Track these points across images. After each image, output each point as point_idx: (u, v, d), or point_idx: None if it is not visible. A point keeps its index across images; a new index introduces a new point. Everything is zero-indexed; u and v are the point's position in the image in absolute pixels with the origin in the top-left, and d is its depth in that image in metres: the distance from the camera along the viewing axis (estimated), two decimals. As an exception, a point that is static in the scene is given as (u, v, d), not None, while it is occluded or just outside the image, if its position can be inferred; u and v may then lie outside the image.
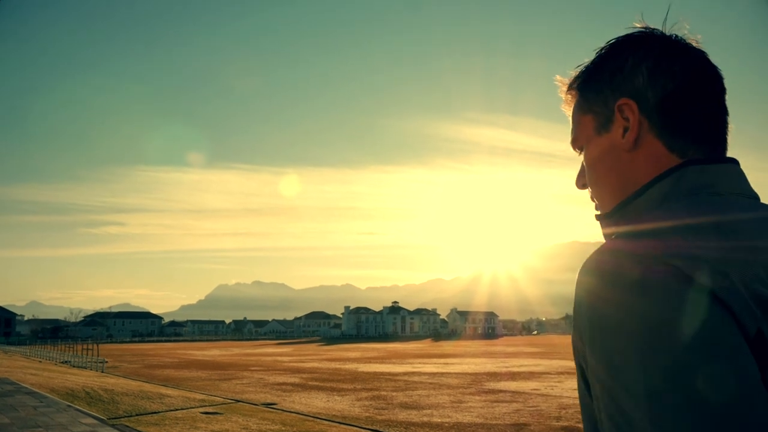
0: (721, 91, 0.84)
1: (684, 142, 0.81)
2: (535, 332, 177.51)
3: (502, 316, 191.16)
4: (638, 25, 0.87)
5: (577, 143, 0.94)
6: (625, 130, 0.83)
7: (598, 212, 0.91)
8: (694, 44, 0.85)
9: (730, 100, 0.84)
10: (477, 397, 19.71)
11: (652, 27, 0.86)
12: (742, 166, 0.81)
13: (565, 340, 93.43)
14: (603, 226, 0.88)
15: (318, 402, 18.87)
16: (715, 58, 0.84)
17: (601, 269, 0.70)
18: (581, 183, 0.95)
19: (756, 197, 0.79)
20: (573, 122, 0.94)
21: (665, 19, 0.86)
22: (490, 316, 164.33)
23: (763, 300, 0.64)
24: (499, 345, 77.66)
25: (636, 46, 0.85)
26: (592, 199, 0.93)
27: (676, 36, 0.85)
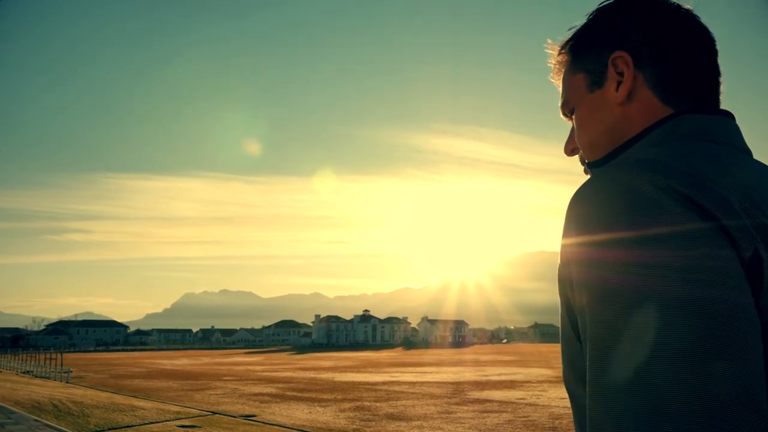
0: (713, 51, 0.85)
1: (678, 95, 0.82)
2: (505, 341, 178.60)
3: (471, 324, 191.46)
4: None
5: (567, 106, 0.93)
6: (619, 84, 0.84)
7: (589, 162, 0.91)
8: (687, 6, 0.86)
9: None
10: (465, 407, 19.12)
11: None
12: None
13: (536, 349, 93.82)
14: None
15: (300, 414, 18.06)
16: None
17: (593, 189, 0.71)
18: (570, 148, 0.96)
19: (749, 152, 0.81)
20: (564, 85, 0.93)
21: None
22: (461, 324, 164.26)
23: (761, 226, 0.65)
24: (471, 353, 77.38)
25: (629, 4, 0.87)
26: (583, 163, 0.94)
27: None
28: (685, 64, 0.83)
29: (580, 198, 0.71)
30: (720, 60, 0.86)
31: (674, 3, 0.86)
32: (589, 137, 0.89)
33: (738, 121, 0.81)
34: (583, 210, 0.70)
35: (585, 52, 0.89)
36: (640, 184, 0.66)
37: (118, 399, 19.69)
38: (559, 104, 0.95)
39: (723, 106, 0.85)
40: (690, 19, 0.85)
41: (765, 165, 0.78)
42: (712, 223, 0.64)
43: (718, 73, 0.85)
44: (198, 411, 18.07)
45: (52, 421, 12.88)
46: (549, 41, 0.96)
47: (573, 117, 0.93)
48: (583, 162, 0.94)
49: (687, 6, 0.86)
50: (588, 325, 0.66)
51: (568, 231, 0.72)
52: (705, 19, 0.83)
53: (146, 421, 14.60)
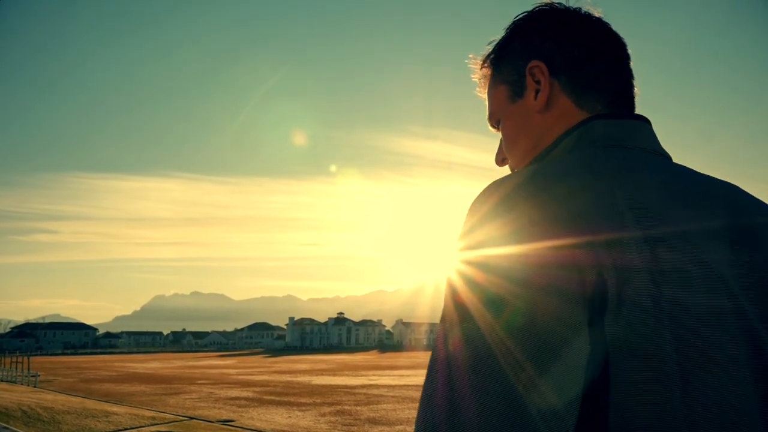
0: (625, 56, 0.89)
1: (592, 100, 0.85)
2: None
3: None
4: (545, 0, 0.93)
5: (493, 117, 0.96)
6: (537, 92, 0.86)
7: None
8: (597, 15, 0.90)
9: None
10: (447, 411, 18.83)
11: (555, 1, 0.92)
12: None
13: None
14: None
15: (279, 418, 17.61)
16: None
17: (480, 194, 0.73)
18: (500, 159, 0.98)
19: (666, 155, 0.82)
20: (488, 98, 0.97)
21: None
22: (436, 327, 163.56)
23: (651, 237, 0.65)
24: (447, 356, 77.30)
25: (542, 16, 0.91)
26: (512, 170, 0.95)
27: (579, 8, 0.90)
28: (596, 70, 0.85)
29: (476, 200, 0.73)
30: (636, 64, 0.88)
31: (585, 12, 0.90)
32: (514, 146, 0.92)
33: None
34: (472, 213, 0.72)
35: (504, 65, 0.92)
36: (518, 194, 0.68)
37: (90, 404, 19.01)
38: (486, 117, 0.98)
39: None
40: (600, 26, 0.89)
41: (677, 166, 0.78)
42: (575, 242, 0.64)
43: (630, 78, 0.89)
44: (173, 416, 17.51)
45: (21, 428, 12.29)
46: (471, 56, 0.99)
47: (500, 128, 0.96)
48: (512, 170, 0.95)
49: (597, 14, 0.90)
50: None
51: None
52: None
53: (120, 427, 14.07)
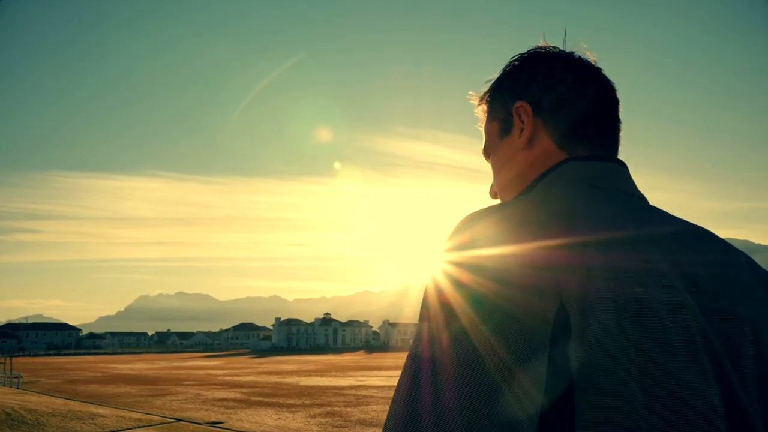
0: (613, 100, 0.93)
1: (572, 142, 0.88)
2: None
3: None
4: (540, 44, 0.97)
5: (486, 151, 1.02)
6: (521, 131, 0.91)
7: None
8: (590, 59, 0.94)
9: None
10: (438, 413, 18.69)
11: (552, 45, 0.96)
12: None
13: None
14: None
15: (269, 420, 17.37)
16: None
17: (462, 220, 0.77)
18: (493, 192, 1.03)
19: (641, 197, 0.85)
20: (484, 132, 1.02)
21: (564, 39, 0.96)
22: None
23: (607, 268, 0.67)
24: (434, 357, 77.20)
25: (534, 58, 0.95)
26: (500, 198, 1.01)
27: (573, 52, 0.95)
28: (579, 113, 0.89)
29: (452, 233, 0.76)
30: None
31: (577, 56, 0.94)
32: (501, 180, 0.97)
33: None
34: (447, 244, 0.75)
35: (496, 103, 0.97)
36: (489, 233, 0.72)
37: (75, 406, 18.66)
38: (482, 149, 1.03)
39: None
40: (590, 71, 0.93)
41: (655, 208, 0.82)
42: (524, 279, 0.66)
43: (616, 122, 0.92)
44: (160, 418, 17.23)
45: (5, 430, 11.97)
46: (471, 93, 1.04)
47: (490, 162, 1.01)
48: (500, 197, 1.00)
49: (591, 60, 0.94)
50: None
51: None
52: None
53: (106, 430, 13.78)
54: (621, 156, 0.91)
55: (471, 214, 0.76)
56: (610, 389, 0.61)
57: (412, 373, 0.65)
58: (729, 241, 0.80)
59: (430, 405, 0.61)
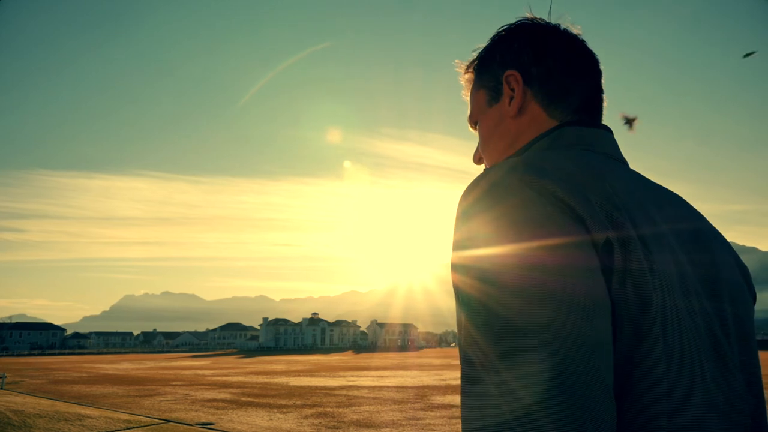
0: (597, 71, 0.97)
1: (562, 110, 0.93)
2: (453, 344, 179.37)
3: (419, 328, 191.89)
4: (528, 15, 1.00)
5: (472, 118, 1.05)
6: (511, 99, 0.95)
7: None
8: (575, 32, 0.98)
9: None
10: (431, 414, 18.47)
11: (538, 17, 1.00)
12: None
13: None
14: None
15: (260, 421, 17.06)
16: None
17: (471, 186, 0.77)
18: (477, 157, 1.07)
19: (624, 161, 0.92)
20: (470, 100, 1.05)
21: (549, 11, 1.00)
22: (410, 328, 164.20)
23: (616, 222, 0.72)
24: (423, 357, 77.02)
25: (523, 29, 0.98)
26: (487, 165, 1.04)
27: (559, 24, 0.99)
28: (567, 82, 0.93)
29: (463, 195, 0.77)
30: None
31: (563, 29, 0.98)
32: (489, 147, 1.00)
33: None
34: (462, 207, 0.75)
35: (484, 71, 1.01)
36: (509, 180, 0.73)
37: (62, 407, 18.26)
38: (467, 117, 1.06)
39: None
40: (576, 43, 0.97)
41: (636, 173, 0.89)
42: (574, 218, 0.69)
43: (599, 91, 0.97)
44: (149, 419, 16.87)
45: (-10, 433, 11.60)
46: (457, 61, 1.08)
47: (477, 129, 1.04)
48: (486, 163, 1.04)
49: (575, 32, 0.98)
50: (463, 306, 0.71)
51: (455, 227, 0.77)
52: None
53: (95, 431, 13.41)
54: None
55: (481, 184, 0.75)
56: (639, 365, 0.69)
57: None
58: None
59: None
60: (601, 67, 0.98)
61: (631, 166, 0.92)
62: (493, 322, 0.65)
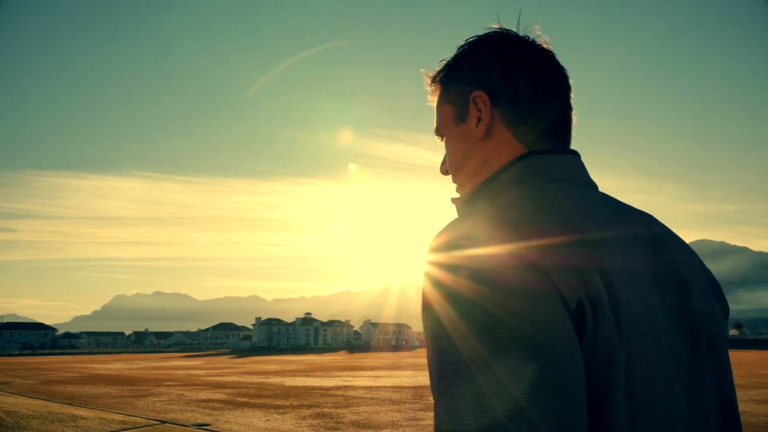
0: (566, 88, 0.94)
1: (530, 133, 0.90)
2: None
3: (412, 328, 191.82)
4: (495, 26, 0.96)
5: (439, 132, 1.02)
6: (479, 120, 0.91)
7: (457, 196, 1.00)
8: (544, 45, 0.94)
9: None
10: (431, 414, 18.22)
11: (507, 28, 0.95)
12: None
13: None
14: (458, 208, 0.96)
15: (257, 422, 16.80)
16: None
17: (442, 236, 0.77)
18: (444, 169, 1.04)
19: (593, 185, 0.90)
20: (436, 112, 1.01)
21: (518, 21, 0.96)
22: (403, 328, 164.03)
23: (590, 287, 0.71)
24: (417, 357, 76.77)
25: (492, 43, 0.94)
26: (454, 183, 1.02)
27: (528, 36, 0.94)
28: (537, 102, 0.90)
29: (438, 244, 0.76)
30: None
31: (533, 43, 0.93)
32: (455, 165, 0.97)
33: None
34: (439, 257, 0.75)
35: (451, 87, 0.96)
36: (491, 253, 0.71)
37: (55, 407, 17.95)
38: (434, 128, 1.02)
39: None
40: (546, 58, 0.93)
41: (605, 197, 0.87)
42: (546, 282, 0.69)
43: (569, 109, 0.94)
44: (145, 420, 16.58)
45: (-18, 434, 11.31)
46: (423, 71, 1.02)
47: (444, 142, 1.01)
48: (454, 183, 1.00)
49: (546, 46, 0.94)
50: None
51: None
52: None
53: (90, 433, 13.13)
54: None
55: (455, 220, 0.78)
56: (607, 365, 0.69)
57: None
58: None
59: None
60: (571, 81, 0.95)
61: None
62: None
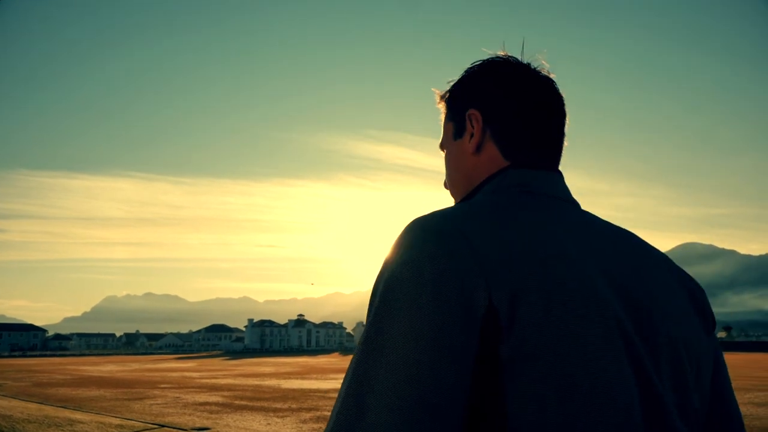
0: (560, 113, 0.99)
1: (516, 151, 0.95)
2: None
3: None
4: (500, 53, 1.02)
5: (442, 146, 1.09)
6: (472, 136, 0.98)
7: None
8: (543, 72, 1.00)
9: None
10: (433, 417, 18.01)
11: (510, 55, 1.02)
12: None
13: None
14: None
15: (258, 426, 16.51)
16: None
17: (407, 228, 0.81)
18: (446, 184, 1.10)
19: (573, 202, 0.94)
20: (442, 128, 1.09)
21: (522, 49, 1.01)
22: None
23: (515, 304, 0.71)
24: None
25: (492, 68, 1.00)
26: (451, 195, 1.08)
27: (529, 63, 1.00)
28: (525, 125, 0.95)
29: (403, 232, 0.81)
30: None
31: (532, 68, 0.99)
32: (451, 178, 1.04)
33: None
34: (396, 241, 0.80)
35: (453, 105, 1.04)
36: (421, 238, 0.76)
37: (50, 411, 17.60)
38: (439, 144, 1.10)
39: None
40: (542, 84, 0.98)
41: (585, 212, 0.91)
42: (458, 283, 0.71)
43: (560, 135, 0.98)
44: (142, 424, 16.26)
45: (-22, 440, 10.99)
46: (434, 89, 1.10)
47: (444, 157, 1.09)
48: (451, 194, 1.07)
49: (545, 72, 1.00)
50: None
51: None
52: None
53: (88, 437, 12.82)
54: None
55: (414, 221, 0.80)
56: (537, 374, 0.69)
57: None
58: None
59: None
60: (566, 109, 1.00)
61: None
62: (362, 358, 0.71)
